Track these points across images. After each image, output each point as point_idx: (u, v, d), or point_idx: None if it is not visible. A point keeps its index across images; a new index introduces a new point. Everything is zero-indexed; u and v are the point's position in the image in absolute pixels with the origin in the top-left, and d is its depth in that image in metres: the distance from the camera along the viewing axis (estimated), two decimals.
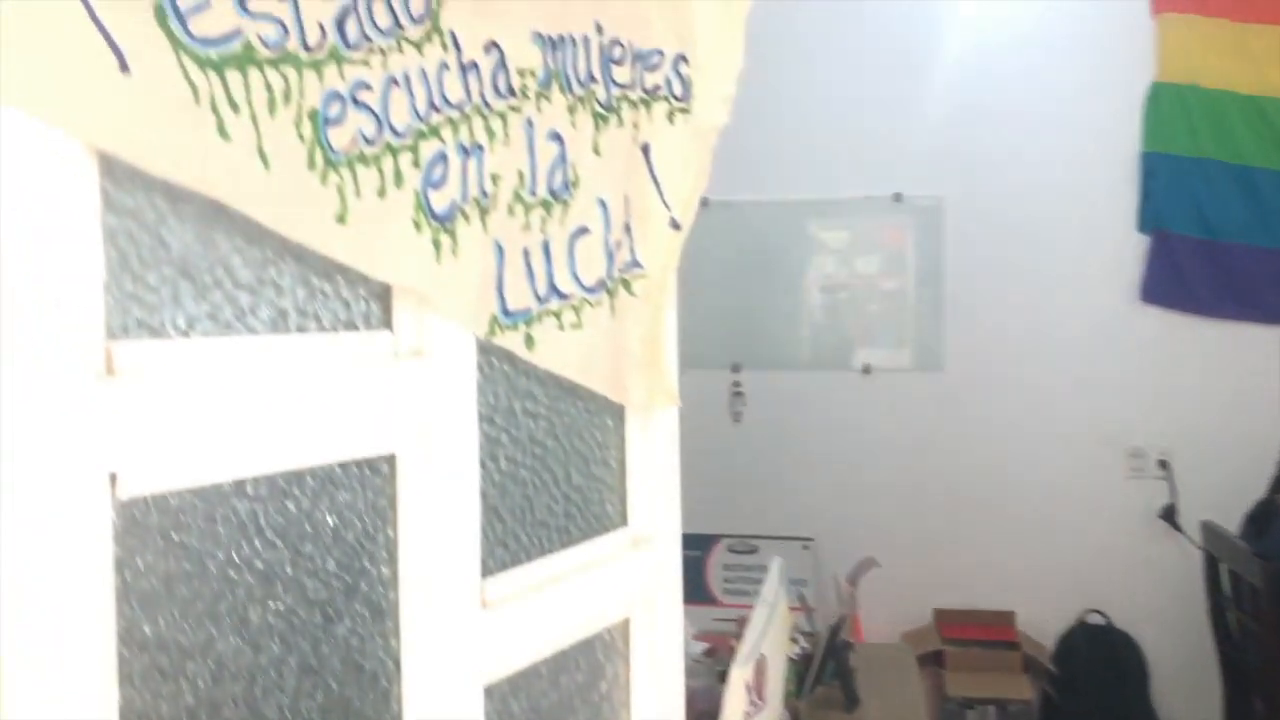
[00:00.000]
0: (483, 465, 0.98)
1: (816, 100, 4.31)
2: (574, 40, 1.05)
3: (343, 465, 0.86)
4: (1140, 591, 4.05)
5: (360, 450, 0.87)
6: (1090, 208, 4.10)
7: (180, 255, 0.75)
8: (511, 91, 0.98)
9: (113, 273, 0.70)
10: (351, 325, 0.87)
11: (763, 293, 4.56)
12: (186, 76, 0.70)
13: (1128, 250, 4.09)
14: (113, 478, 0.68)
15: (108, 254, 0.69)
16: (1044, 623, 4.11)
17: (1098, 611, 4.08)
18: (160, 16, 0.69)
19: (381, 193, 0.85)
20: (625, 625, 1.17)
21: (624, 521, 1.17)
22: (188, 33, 0.70)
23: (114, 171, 0.69)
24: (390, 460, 0.89)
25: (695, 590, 4.39)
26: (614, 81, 1.11)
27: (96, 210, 0.68)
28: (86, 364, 0.66)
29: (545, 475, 1.07)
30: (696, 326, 4.44)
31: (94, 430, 0.66)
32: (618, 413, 1.16)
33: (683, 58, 1.20)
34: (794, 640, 2.83)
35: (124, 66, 0.66)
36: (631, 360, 1.15)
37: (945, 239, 4.26)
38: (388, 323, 0.90)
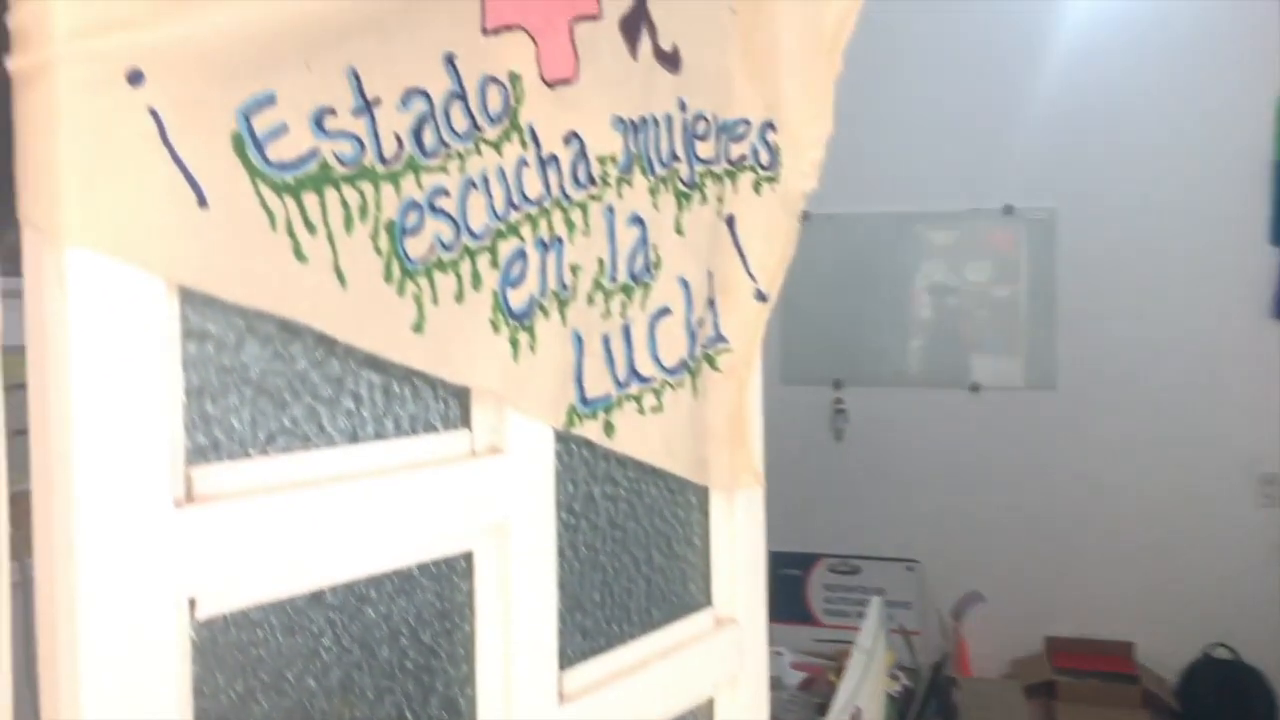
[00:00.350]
0: (561, 554, 0.98)
1: (921, 108, 4.20)
2: (656, 121, 1.04)
3: (420, 566, 0.86)
4: (1271, 625, 3.83)
5: (438, 550, 0.87)
6: (1216, 220, 3.90)
7: (258, 374, 0.76)
8: (592, 180, 0.97)
9: (191, 397, 0.71)
10: (430, 426, 0.87)
11: (866, 308, 4.47)
12: (263, 204, 0.71)
13: (1258, 264, 3.88)
14: (192, 602, 0.70)
15: (187, 379, 0.71)
16: (1165, 655, 3.93)
17: (1224, 645, 3.88)
18: (238, 145, 0.70)
19: (459, 297, 0.85)
20: (709, 705, 1.15)
21: (708, 601, 1.16)
22: (265, 159, 0.71)
23: (192, 298, 0.70)
24: (468, 558, 0.89)
25: (794, 609, 4.34)
26: (697, 158, 1.09)
27: (176, 338, 0.69)
28: (167, 491, 0.67)
29: (625, 558, 1.06)
30: (798, 342, 4.39)
31: (174, 557, 0.67)
32: (701, 490, 1.15)
33: (770, 125, 1.17)
34: (894, 677, 2.77)
35: (203, 201, 0.67)
36: (716, 439, 1.13)
37: (1058, 253, 4.11)
38: (466, 421, 0.90)
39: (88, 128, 0.62)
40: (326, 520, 0.78)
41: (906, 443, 4.36)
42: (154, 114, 0.65)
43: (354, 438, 0.82)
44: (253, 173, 0.70)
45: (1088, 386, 4.07)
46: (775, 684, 3.08)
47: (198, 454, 0.71)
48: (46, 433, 0.63)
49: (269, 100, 0.71)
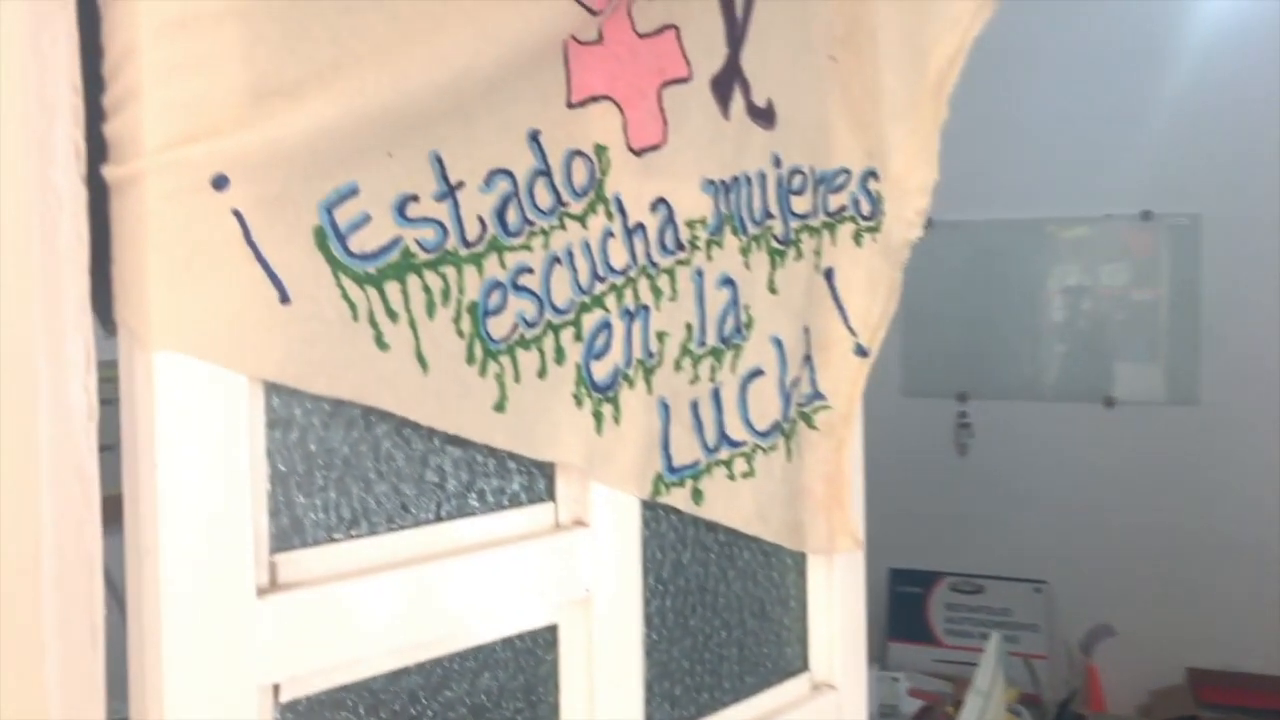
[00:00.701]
0: (648, 621, 0.97)
1: (1051, 109, 4.03)
2: (748, 179, 1.02)
3: (504, 640, 0.87)
4: None
5: (521, 624, 0.87)
6: None
7: (343, 458, 0.77)
8: (680, 245, 0.95)
9: (276, 484, 0.73)
10: (514, 500, 0.88)
11: (991, 318, 4.33)
12: (345, 296, 0.72)
13: None
14: (276, 688, 0.71)
15: (271, 467, 0.72)
16: None
17: None
18: (320, 239, 0.71)
19: (542, 373, 0.85)
20: None
21: (804, 666, 1.13)
22: (347, 251, 0.72)
23: (278, 387, 0.72)
24: (552, 630, 0.89)
25: (914, 629, 4.23)
26: (793, 213, 1.07)
27: (260, 428, 0.71)
28: (250, 580, 0.69)
29: (716, 623, 1.05)
30: (920, 353, 4.27)
31: (257, 644, 0.69)
32: (797, 551, 1.12)
33: (872, 173, 1.14)
34: (1015, 714, 2.67)
35: (285, 298, 0.69)
36: (812, 501, 1.10)
37: (1201, 260, 3.88)
38: (550, 494, 0.89)
39: (173, 234, 0.64)
40: (409, 600, 0.79)
41: (1035, 459, 4.20)
42: (238, 215, 0.67)
43: (438, 516, 0.82)
44: (335, 266, 0.71)
45: (1232, 401, 3.84)
46: (891, 712, 3.01)
47: (281, 540, 0.73)
48: (138, 528, 0.66)
49: (351, 192, 0.72)
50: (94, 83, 0.65)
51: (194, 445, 0.66)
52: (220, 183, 0.65)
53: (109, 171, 0.64)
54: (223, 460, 0.67)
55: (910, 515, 4.26)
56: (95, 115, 0.65)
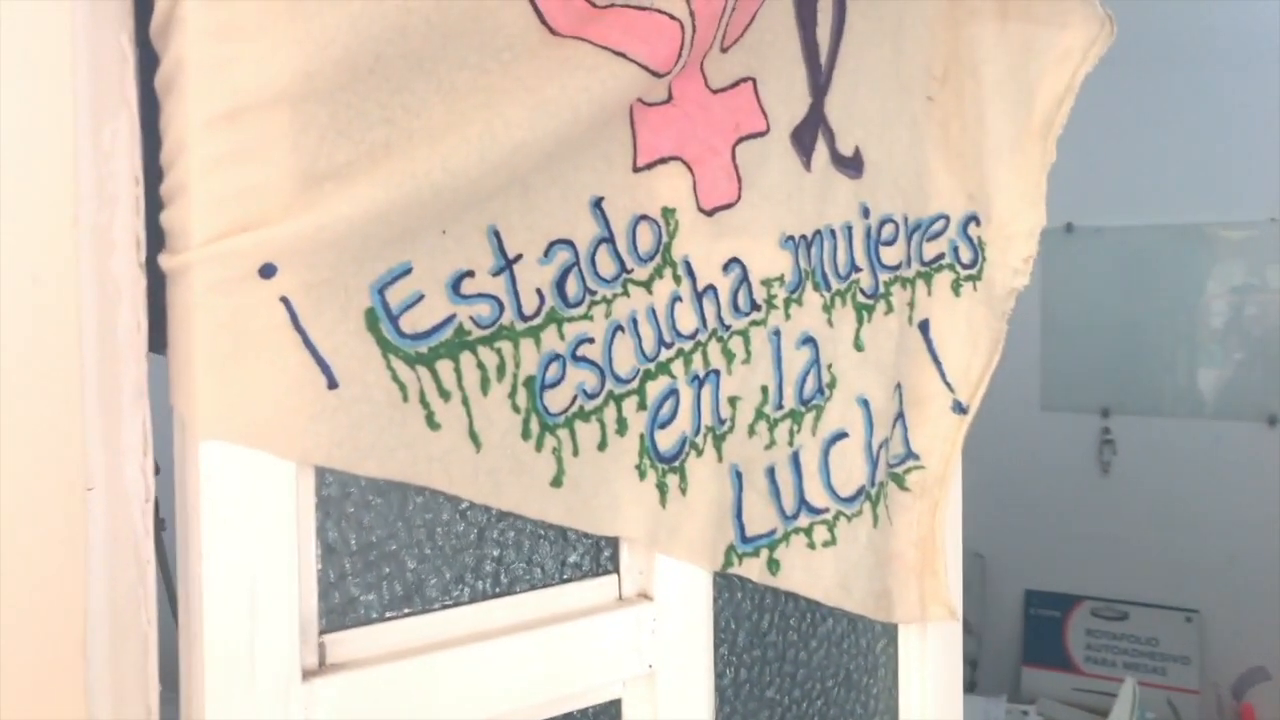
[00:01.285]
0: (721, 693, 0.94)
1: (1200, 107, 3.77)
2: (833, 232, 0.97)
3: (564, 716, 0.85)
4: None
5: (582, 700, 0.85)
6: None
7: (397, 535, 0.77)
8: (754, 305, 0.92)
9: (327, 565, 0.73)
10: (577, 573, 0.86)
11: (1139, 328, 4.09)
12: (395, 378, 0.71)
13: None
14: None
15: (321, 547, 0.73)
16: None
17: None
18: (371, 321, 0.70)
19: (602, 445, 0.83)
20: None
21: None
22: (398, 332, 0.72)
23: (327, 469, 0.72)
24: (615, 706, 0.87)
25: (1051, 654, 4.04)
26: (882, 265, 1.01)
27: (310, 510, 0.71)
28: (296, 662, 0.69)
29: (796, 694, 1.01)
30: (1061, 366, 4.07)
31: None
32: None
33: (973, 218, 1.07)
34: None
35: (333, 383, 0.69)
36: (902, 567, 1.04)
37: None
38: (615, 567, 0.87)
39: (221, 324, 0.65)
40: (467, 677, 0.78)
41: (1185, 480, 3.95)
42: (286, 302, 0.67)
43: (496, 591, 0.81)
44: (385, 348, 0.71)
45: None
46: None
47: (332, 620, 0.73)
48: (188, 614, 0.67)
49: (405, 272, 0.72)
50: (158, 171, 0.67)
51: (238, 531, 0.66)
52: (268, 271, 0.66)
53: (164, 261, 0.65)
54: (268, 545, 0.68)
55: (1048, 535, 4.09)
56: (158, 203, 0.67)
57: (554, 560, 0.85)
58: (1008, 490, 4.05)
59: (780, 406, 0.94)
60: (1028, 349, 4.09)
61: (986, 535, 4.17)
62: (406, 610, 0.77)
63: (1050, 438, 4.02)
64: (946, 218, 1.06)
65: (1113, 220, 3.87)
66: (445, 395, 0.74)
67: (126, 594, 0.67)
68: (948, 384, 1.07)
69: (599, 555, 0.87)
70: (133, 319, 0.67)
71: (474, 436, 0.75)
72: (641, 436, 0.85)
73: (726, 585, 0.95)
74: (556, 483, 0.80)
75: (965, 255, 1.07)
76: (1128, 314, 4.03)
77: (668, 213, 0.85)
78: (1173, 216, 3.89)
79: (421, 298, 0.72)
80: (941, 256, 1.06)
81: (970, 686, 4.06)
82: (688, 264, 0.87)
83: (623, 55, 0.76)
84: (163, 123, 0.65)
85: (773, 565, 0.94)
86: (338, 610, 0.74)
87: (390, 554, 0.76)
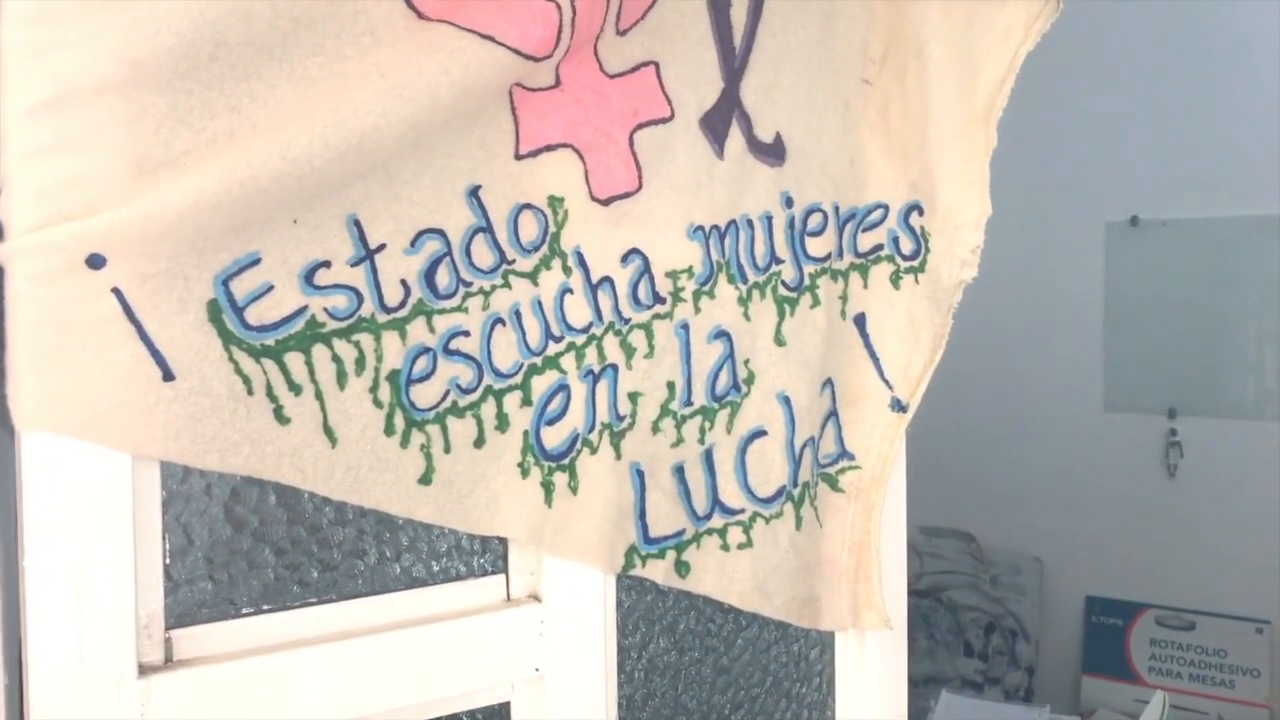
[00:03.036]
0: (628, 698, 0.91)
1: (1275, 90, 3.57)
2: (750, 223, 0.93)
3: (452, 717, 0.83)
4: None
5: (468, 701, 0.83)
6: None
7: (255, 532, 0.76)
8: (658, 298, 0.88)
9: (175, 561, 0.72)
10: (463, 572, 0.84)
11: (1209, 325, 3.91)
12: (238, 370, 0.70)
13: None
14: None
15: (170, 544, 0.72)
16: None
17: None
18: (214, 313, 0.69)
19: (479, 442, 0.80)
20: None
21: None
22: (243, 324, 0.70)
23: (179, 467, 0.71)
24: (505, 709, 0.85)
25: (1113, 663, 3.88)
26: (808, 256, 0.97)
27: (154, 504, 0.71)
28: (132, 659, 0.68)
29: (717, 699, 0.97)
30: (1125, 365, 3.91)
31: None
32: None
33: (916, 208, 1.02)
34: None
35: (168, 375, 0.68)
36: (832, 572, 1.00)
37: None
38: (503, 568, 0.85)
39: (43, 316, 0.64)
40: (337, 676, 0.76)
41: (1258, 485, 3.76)
42: (118, 293, 0.66)
43: (370, 589, 0.80)
44: (227, 339, 0.70)
45: None
46: None
47: (182, 617, 0.72)
48: (17, 608, 0.66)
49: (253, 262, 0.70)
50: None
51: (64, 524, 0.66)
52: (97, 261, 0.65)
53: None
54: (99, 539, 0.67)
55: (1111, 541, 3.95)
56: None
57: (437, 559, 0.83)
58: (1068, 494, 3.91)
59: (689, 403, 0.90)
60: (1090, 348, 3.95)
61: (1045, 539, 4.04)
62: (267, 607, 0.76)
63: (1113, 440, 3.86)
64: (885, 207, 1.01)
65: (1181, 213, 3.70)
66: (296, 389, 0.72)
67: None
68: (885, 381, 1.01)
69: (487, 555, 0.85)
70: None
71: (329, 432, 0.74)
72: (525, 433, 0.82)
73: (637, 587, 0.91)
74: (425, 480, 0.78)
75: (906, 246, 1.02)
76: (1196, 311, 3.85)
77: (555, 201, 0.82)
78: (1246, 208, 3.70)
79: (271, 288, 0.71)
80: (880, 248, 1.01)
81: (1026, 695, 3.92)
82: (579, 255, 0.84)
83: (490, 38, 0.74)
84: None
85: (681, 567, 0.91)
86: (189, 606, 0.73)
87: (250, 549, 0.75)
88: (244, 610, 0.75)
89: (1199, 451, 3.82)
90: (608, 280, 0.85)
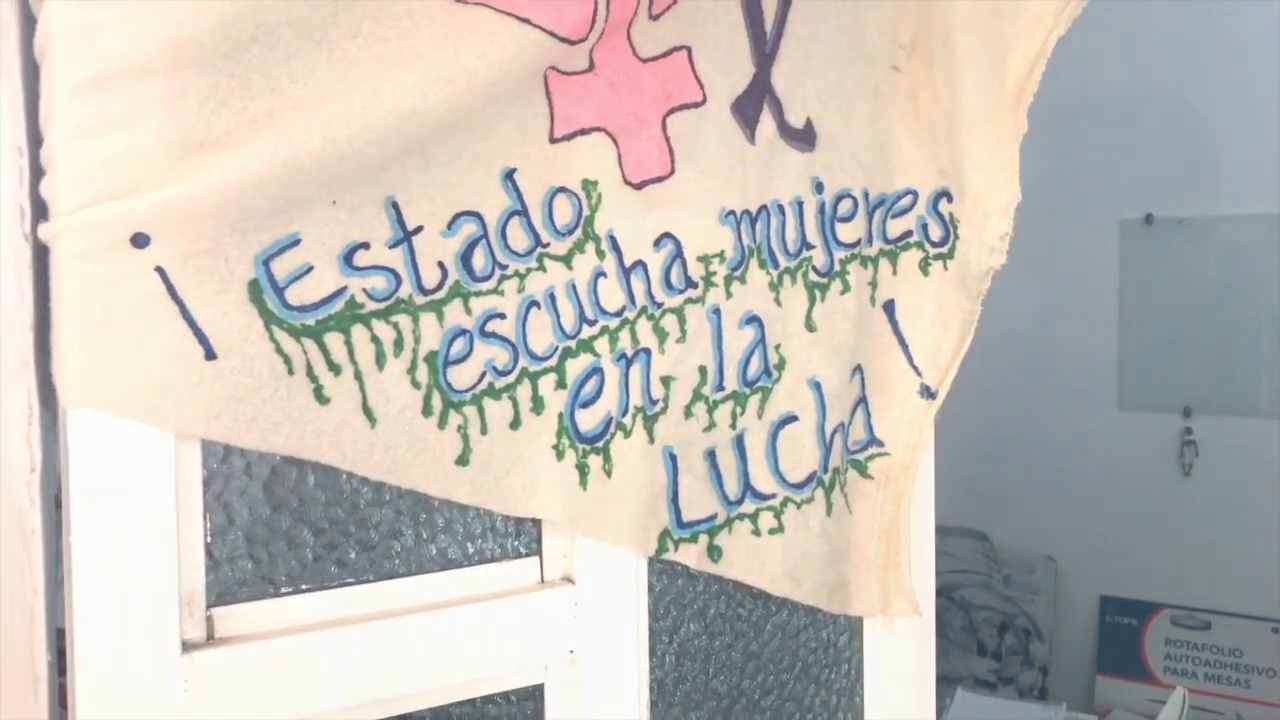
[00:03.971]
0: (659, 681, 0.91)
1: None
2: (781, 208, 0.93)
3: (486, 698, 0.83)
4: None
5: (501, 683, 0.84)
6: None
7: (294, 512, 0.76)
8: (690, 283, 0.88)
9: (216, 540, 0.72)
10: (498, 554, 0.84)
11: (1225, 323, 3.89)
12: (279, 350, 0.71)
13: None
14: None
15: (211, 522, 0.72)
16: None
17: None
18: (254, 293, 0.70)
19: (515, 424, 0.81)
20: None
21: None
22: (283, 304, 0.71)
23: (217, 443, 0.71)
24: (539, 691, 0.85)
25: (1127, 663, 3.87)
26: (838, 241, 0.97)
27: (195, 483, 0.71)
28: (175, 636, 0.69)
29: (747, 685, 0.97)
30: (1139, 363, 3.90)
31: (186, 700, 0.69)
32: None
33: (945, 194, 1.02)
34: None
35: (210, 354, 0.68)
36: (861, 559, 1.00)
37: None
38: (536, 550, 0.85)
39: (89, 293, 0.64)
40: (373, 656, 0.76)
41: (1274, 484, 3.74)
42: (161, 272, 0.66)
43: (406, 570, 0.80)
44: (268, 319, 0.70)
45: None
46: None
47: (223, 595, 0.72)
48: (71, 588, 0.67)
49: (293, 243, 0.71)
50: None
51: (109, 502, 0.66)
52: (141, 240, 0.65)
53: (40, 231, 0.66)
54: (143, 517, 0.67)
55: (1125, 540, 3.93)
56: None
57: (472, 540, 0.83)
58: (1082, 492, 3.90)
59: (721, 388, 0.91)
60: (1104, 346, 3.94)
61: (1060, 538, 4.03)
62: (305, 586, 0.76)
63: (1128, 438, 3.85)
64: (914, 193, 1.01)
65: (1196, 210, 3.69)
66: (335, 369, 0.73)
67: (10, 563, 0.67)
68: (915, 367, 1.01)
69: (521, 537, 0.85)
70: (16, 288, 0.67)
71: (368, 412, 0.74)
72: (560, 416, 0.82)
73: (668, 571, 0.92)
74: (462, 461, 0.78)
75: (935, 233, 1.02)
76: (1211, 309, 3.83)
77: (588, 185, 0.83)
78: (1262, 206, 3.69)
79: (310, 269, 0.71)
80: (909, 234, 1.01)
81: (1040, 694, 3.91)
82: (613, 239, 0.84)
83: (526, 21, 0.74)
84: (40, 91, 0.66)
85: (713, 552, 0.91)
86: (229, 585, 0.73)
87: (289, 529, 0.76)
88: (283, 589, 0.75)
89: (1214, 450, 3.80)
90: (640, 264, 0.86)
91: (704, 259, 0.89)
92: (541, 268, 0.81)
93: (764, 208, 0.92)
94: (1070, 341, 3.82)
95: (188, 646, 0.70)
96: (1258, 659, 3.68)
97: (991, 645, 3.95)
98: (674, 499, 0.89)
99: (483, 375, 0.79)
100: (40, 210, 0.66)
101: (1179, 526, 3.84)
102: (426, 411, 0.76)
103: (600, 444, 0.84)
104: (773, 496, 0.94)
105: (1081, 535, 3.84)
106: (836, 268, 0.97)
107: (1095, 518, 3.83)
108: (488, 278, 0.79)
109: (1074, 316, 3.83)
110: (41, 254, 0.67)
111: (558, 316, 0.82)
